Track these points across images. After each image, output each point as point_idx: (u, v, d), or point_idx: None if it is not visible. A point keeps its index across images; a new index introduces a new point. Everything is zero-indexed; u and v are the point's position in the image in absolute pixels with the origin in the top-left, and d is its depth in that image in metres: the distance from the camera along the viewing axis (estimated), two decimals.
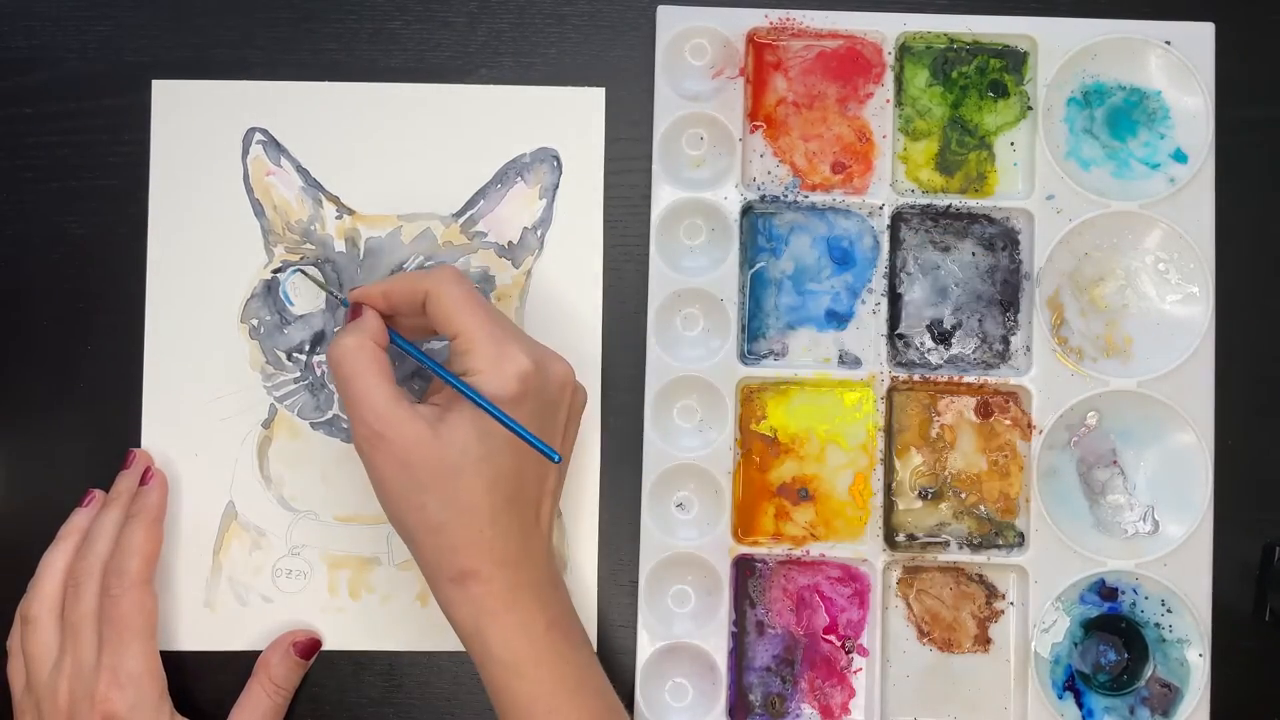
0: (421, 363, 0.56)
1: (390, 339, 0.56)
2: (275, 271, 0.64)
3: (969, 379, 0.63)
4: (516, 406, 0.54)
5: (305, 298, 0.63)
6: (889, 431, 0.63)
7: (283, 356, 0.63)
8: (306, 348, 0.63)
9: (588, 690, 0.55)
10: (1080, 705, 0.62)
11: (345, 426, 0.63)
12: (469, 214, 0.64)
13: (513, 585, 0.54)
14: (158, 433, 0.63)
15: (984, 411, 0.63)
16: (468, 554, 0.53)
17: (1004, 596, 0.63)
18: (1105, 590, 0.62)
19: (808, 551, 0.63)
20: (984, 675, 0.63)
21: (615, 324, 0.63)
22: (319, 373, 0.63)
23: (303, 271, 0.62)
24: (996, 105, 0.64)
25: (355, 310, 0.56)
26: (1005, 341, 0.64)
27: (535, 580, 0.55)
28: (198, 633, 0.63)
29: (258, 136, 0.64)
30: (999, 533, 0.63)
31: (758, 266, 0.64)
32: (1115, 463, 0.63)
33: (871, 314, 0.63)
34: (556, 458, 0.54)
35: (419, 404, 0.54)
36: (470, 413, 0.53)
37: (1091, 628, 0.63)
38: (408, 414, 0.53)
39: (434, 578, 0.54)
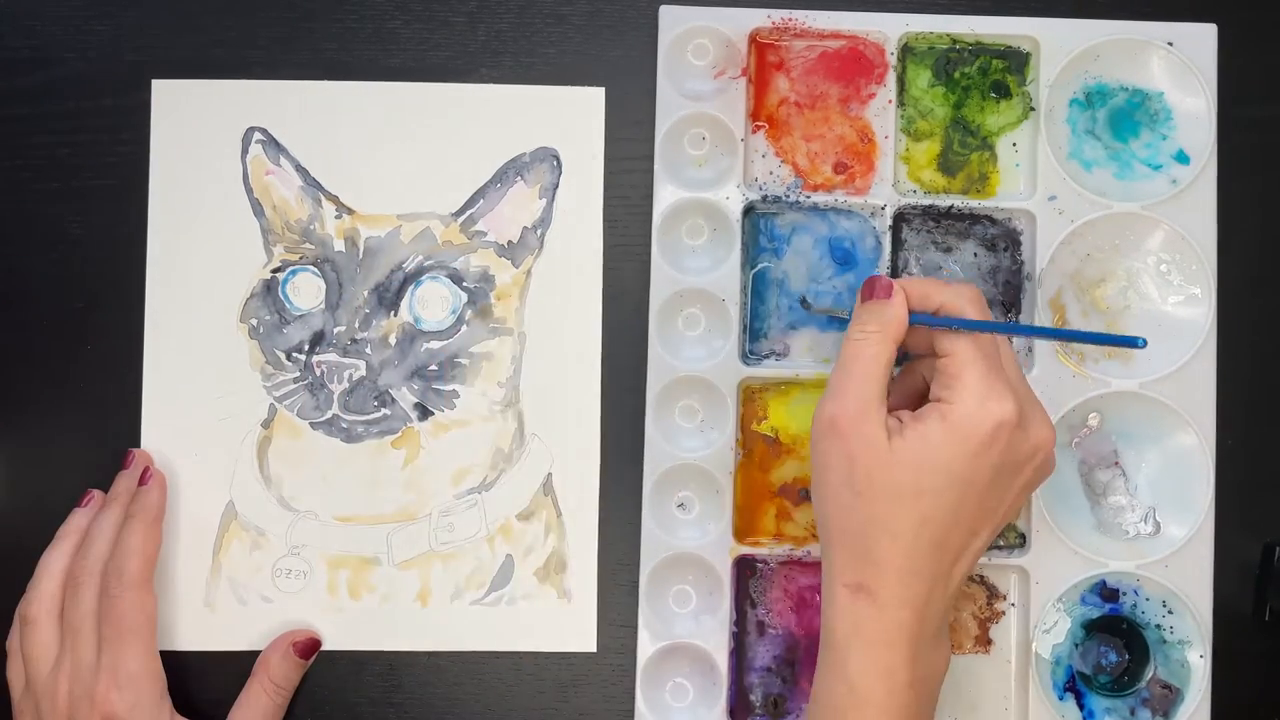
0: (944, 325, 0.54)
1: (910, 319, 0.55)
2: (275, 271, 0.63)
3: None
4: (981, 452, 0.52)
5: (306, 297, 0.63)
6: None
7: (282, 356, 0.63)
8: (306, 347, 0.63)
9: None
10: (1081, 706, 0.62)
11: (345, 426, 0.63)
12: (468, 213, 0.64)
13: (898, 624, 0.52)
14: (157, 433, 0.63)
15: None
16: (872, 571, 0.52)
17: (1005, 597, 0.63)
18: (1106, 591, 0.62)
19: (809, 552, 0.62)
20: (985, 676, 0.63)
21: (616, 324, 0.63)
22: (318, 372, 0.63)
23: (812, 306, 0.61)
24: (999, 106, 0.64)
25: (885, 291, 0.55)
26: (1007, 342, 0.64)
27: (921, 631, 0.52)
28: (198, 633, 0.63)
29: (257, 136, 0.64)
30: (1000, 533, 0.63)
31: (760, 267, 0.64)
32: (1117, 464, 0.63)
33: None
34: (1141, 342, 0.53)
35: (889, 414, 0.53)
36: (933, 440, 0.52)
37: (1092, 629, 0.63)
38: (878, 417, 0.52)
39: (832, 576, 0.53)
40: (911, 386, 0.58)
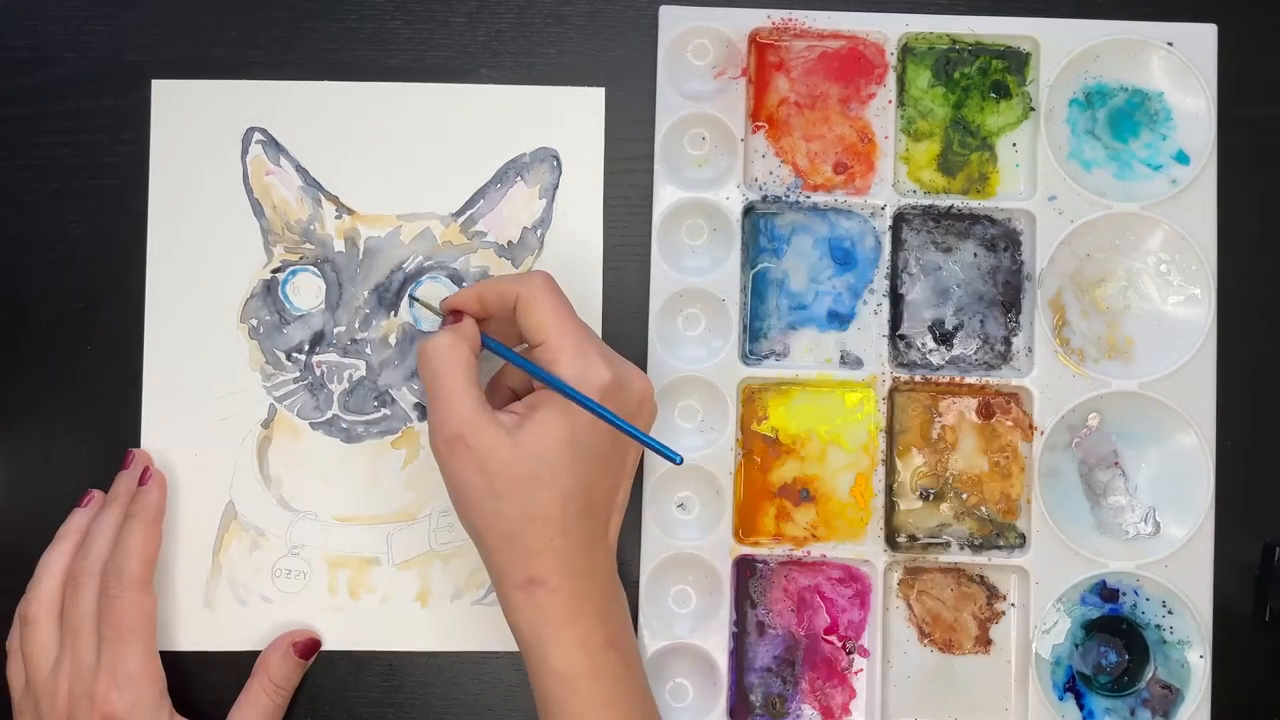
0: (516, 364, 0.56)
1: (483, 343, 0.56)
2: (275, 271, 0.63)
3: (970, 380, 0.63)
4: (594, 419, 0.54)
5: (306, 297, 0.63)
6: (890, 432, 0.63)
7: (282, 356, 0.63)
8: (306, 347, 0.63)
9: (637, 713, 0.55)
10: (1081, 707, 0.62)
11: (345, 426, 0.63)
12: (468, 214, 0.64)
13: (577, 596, 0.54)
14: (157, 433, 0.63)
15: (985, 412, 0.63)
16: (537, 562, 0.54)
17: (1005, 597, 0.63)
18: (1106, 591, 0.62)
19: (809, 552, 0.62)
20: (985, 676, 0.63)
21: (616, 324, 0.63)
22: (318, 372, 0.63)
23: (416, 299, 0.62)
24: (999, 106, 0.64)
25: (455, 317, 0.57)
26: (1007, 342, 0.64)
27: (598, 594, 0.55)
28: (197, 633, 0.63)
29: (257, 136, 0.64)
30: (1000, 534, 0.63)
31: (760, 267, 0.64)
32: (1117, 464, 0.63)
33: (873, 315, 0.63)
34: (678, 459, 0.55)
35: (499, 412, 0.54)
36: (550, 422, 0.54)
37: (1092, 629, 0.63)
38: (489, 420, 0.53)
39: (501, 583, 0.55)
40: (508, 394, 0.59)
